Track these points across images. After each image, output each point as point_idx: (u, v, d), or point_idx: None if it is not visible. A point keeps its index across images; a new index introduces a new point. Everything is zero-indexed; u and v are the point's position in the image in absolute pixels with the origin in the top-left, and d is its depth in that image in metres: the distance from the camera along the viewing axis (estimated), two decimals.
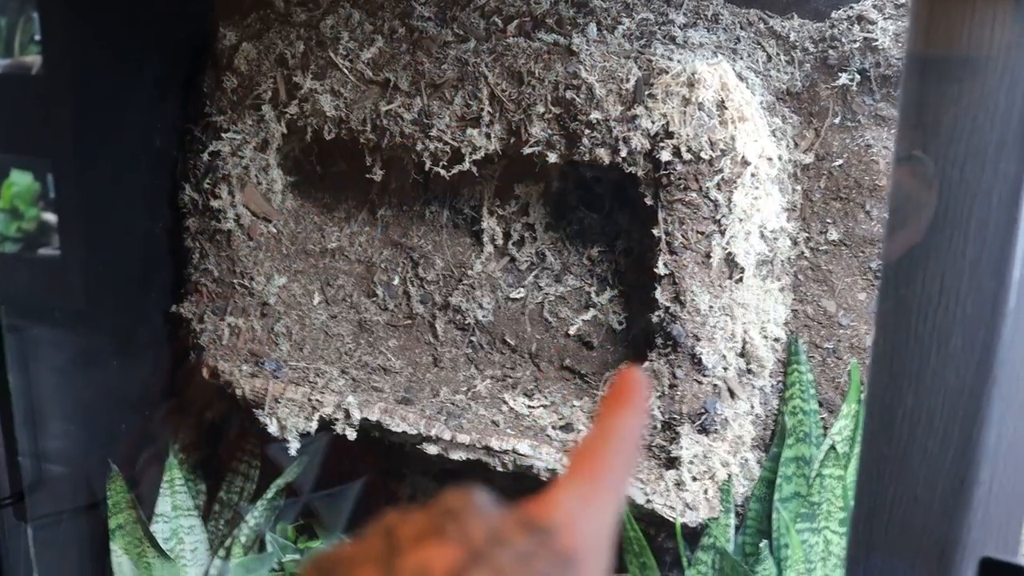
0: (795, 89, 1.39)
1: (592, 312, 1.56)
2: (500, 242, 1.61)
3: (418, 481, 1.73)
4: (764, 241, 1.34)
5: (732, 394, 1.38)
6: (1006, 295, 0.69)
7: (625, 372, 0.60)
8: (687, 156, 1.30)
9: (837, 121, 1.36)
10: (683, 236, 1.34)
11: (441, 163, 1.46)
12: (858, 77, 1.34)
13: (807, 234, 1.41)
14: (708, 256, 1.34)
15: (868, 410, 0.78)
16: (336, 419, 1.48)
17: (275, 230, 1.60)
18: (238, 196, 1.54)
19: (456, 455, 1.46)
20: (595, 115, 1.33)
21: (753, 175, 1.31)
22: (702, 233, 1.34)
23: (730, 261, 1.33)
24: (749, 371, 1.39)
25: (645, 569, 1.41)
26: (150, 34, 1.60)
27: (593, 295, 1.56)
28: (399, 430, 1.46)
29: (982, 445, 0.71)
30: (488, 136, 1.42)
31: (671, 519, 1.40)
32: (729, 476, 1.41)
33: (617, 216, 1.53)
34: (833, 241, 1.39)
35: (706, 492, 1.40)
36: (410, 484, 1.74)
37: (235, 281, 1.57)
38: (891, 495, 0.76)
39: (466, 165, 1.46)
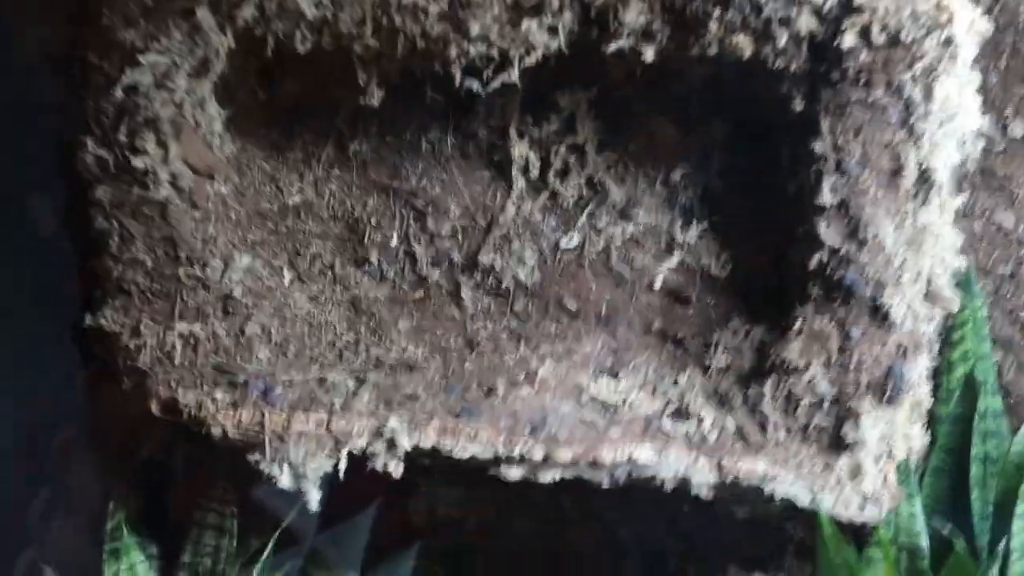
0: None
1: (679, 256, 1.17)
2: (535, 173, 1.18)
3: (438, 492, 1.33)
4: (961, 147, 0.99)
5: (918, 349, 1.05)
6: None
7: None
8: (879, 39, 0.92)
9: None
10: (861, 150, 0.98)
11: (484, 74, 1.02)
12: None
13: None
14: (896, 174, 0.98)
15: None
16: (375, 453, 1.04)
17: (224, 190, 1.10)
18: (173, 148, 1.04)
19: (548, 476, 1.06)
20: None
21: (955, 58, 0.95)
22: (887, 144, 0.98)
23: (924, 178, 0.98)
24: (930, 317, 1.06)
25: None
26: None
27: (676, 232, 1.17)
28: (466, 455, 1.04)
29: None
30: (553, 30, 0.99)
31: (848, 520, 1.07)
32: (909, 452, 1.09)
33: (709, 125, 1.14)
34: (1015, 138, 1.07)
35: (886, 478, 1.08)
36: (427, 498, 1.33)
37: (180, 271, 1.07)
38: None
39: (513, 75, 1.02)
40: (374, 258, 1.20)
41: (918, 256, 1.01)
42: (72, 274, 1.14)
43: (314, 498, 1.05)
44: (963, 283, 1.10)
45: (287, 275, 1.18)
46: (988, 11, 1.05)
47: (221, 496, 1.19)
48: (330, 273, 1.20)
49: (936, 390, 1.13)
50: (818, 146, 0.98)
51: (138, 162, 1.03)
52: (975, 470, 1.10)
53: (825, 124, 0.98)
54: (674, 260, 1.17)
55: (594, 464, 1.05)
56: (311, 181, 1.20)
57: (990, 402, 1.12)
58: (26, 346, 1.28)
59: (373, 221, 1.20)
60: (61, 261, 1.16)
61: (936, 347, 1.11)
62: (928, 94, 0.95)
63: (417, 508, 1.34)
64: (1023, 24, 1.03)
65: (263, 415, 1.04)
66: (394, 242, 1.20)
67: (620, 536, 1.36)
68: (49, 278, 1.22)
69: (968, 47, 0.95)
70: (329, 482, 1.09)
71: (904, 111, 0.95)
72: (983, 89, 1.05)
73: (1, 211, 1.11)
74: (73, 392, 1.29)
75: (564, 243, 1.18)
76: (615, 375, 1.15)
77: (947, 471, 1.13)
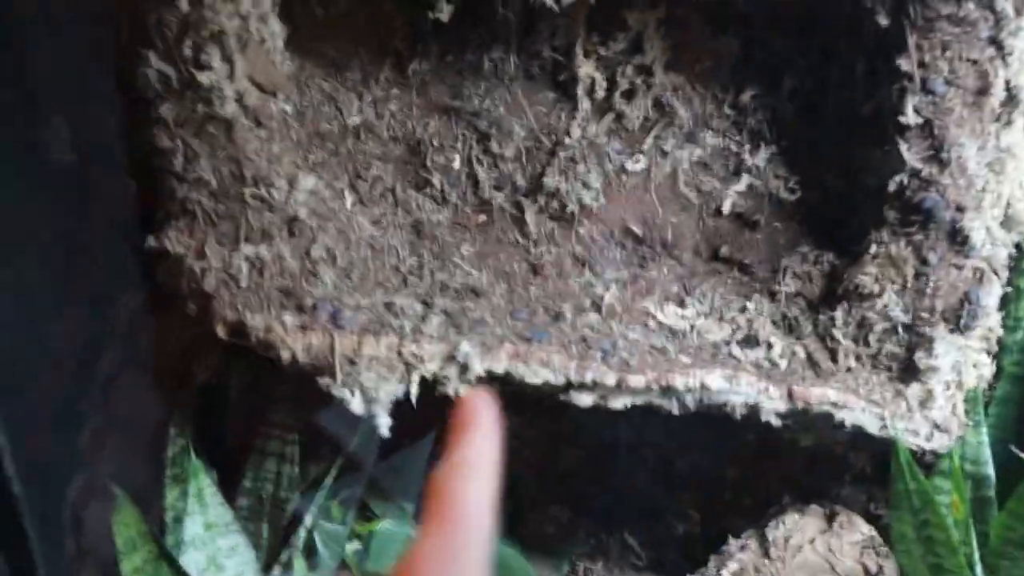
0: None
1: (747, 179, 1.15)
2: (601, 94, 1.16)
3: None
4: None
5: (994, 276, 1.03)
6: None
7: (465, 398, 0.60)
8: None
9: None
10: (948, 67, 0.95)
11: None
12: None
13: None
14: (983, 93, 0.96)
15: None
16: (446, 377, 1.03)
17: (288, 108, 1.08)
18: (239, 63, 1.01)
19: (619, 403, 1.05)
20: None
21: None
22: (974, 61, 0.95)
23: (1010, 98, 0.96)
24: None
25: (930, 528, 1.06)
26: None
27: (746, 156, 1.15)
28: (538, 381, 1.03)
29: None
30: None
31: (918, 447, 1.06)
32: (979, 380, 1.08)
33: (778, 44, 1.11)
34: None
35: (955, 407, 1.07)
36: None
37: (246, 191, 1.05)
38: None
39: None
40: (436, 181, 1.18)
41: (999, 179, 0.99)
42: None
43: (384, 423, 1.04)
44: None
45: (348, 198, 1.16)
46: None
47: (282, 422, 1.18)
48: (391, 196, 1.18)
49: (1004, 318, 1.12)
50: (904, 63, 0.96)
51: (203, 78, 1.00)
52: None
53: (912, 40, 0.95)
54: (742, 184, 1.15)
55: (666, 390, 1.04)
56: (370, 102, 1.18)
57: None
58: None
59: (435, 143, 1.17)
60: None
61: (1005, 273, 1.10)
62: (1021, 9, 0.92)
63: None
64: None
65: (333, 339, 1.03)
66: (456, 165, 1.18)
67: (675, 466, 1.36)
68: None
69: None
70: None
71: (995, 27, 0.93)
72: None
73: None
74: (116, 313, 1.28)
75: (630, 166, 1.16)
76: (682, 302, 1.13)
77: (1015, 400, 1.13)
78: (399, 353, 1.03)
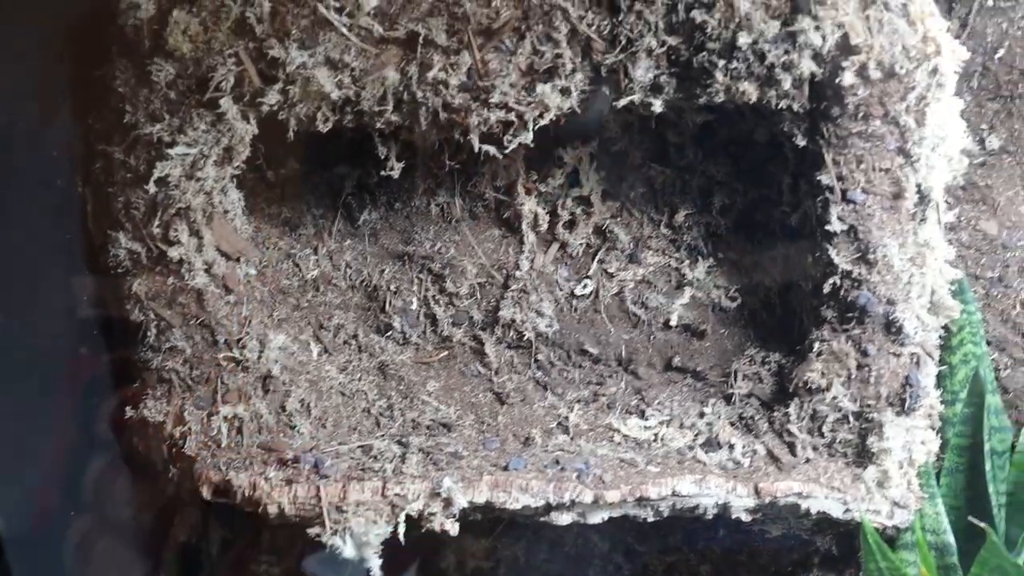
0: None
1: (689, 292, 1.23)
2: (544, 227, 1.23)
3: (465, 546, 1.35)
4: (950, 166, 1.07)
5: (928, 358, 1.12)
6: None
7: None
8: (875, 75, 1.00)
9: (989, 3, 1.11)
10: (864, 178, 1.04)
11: (504, 138, 1.06)
12: None
13: None
14: (898, 197, 1.05)
15: None
16: (432, 513, 1.06)
17: (252, 272, 1.13)
18: (206, 235, 1.06)
19: (596, 517, 1.10)
20: (742, 39, 0.98)
21: (942, 86, 1.03)
22: (886, 170, 1.05)
23: (922, 199, 1.05)
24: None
25: None
26: None
27: (686, 270, 1.23)
28: (519, 506, 1.07)
29: None
30: (566, 91, 1.04)
31: (881, 525, 1.13)
32: (928, 455, 1.15)
33: (706, 166, 1.20)
34: (992, 150, 1.15)
35: (909, 483, 1.14)
36: (455, 553, 1.35)
37: (220, 355, 1.09)
38: None
39: (528, 137, 1.07)
40: (396, 323, 1.23)
41: (923, 271, 1.08)
42: None
43: (375, 565, 1.07)
44: (958, 290, 1.17)
45: (315, 348, 1.20)
46: (957, 36, 1.14)
47: (267, 573, 1.20)
48: (355, 342, 1.23)
49: (942, 394, 1.20)
50: (824, 178, 1.05)
51: (173, 253, 1.05)
52: (989, 465, 1.17)
53: (829, 157, 1.04)
54: (685, 297, 1.23)
55: (640, 501, 1.09)
56: (326, 254, 1.24)
57: (991, 399, 1.20)
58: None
59: (391, 287, 1.23)
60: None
61: (937, 353, 1.18)
62: (921, 120, 1.02)
63: (448, 564, 1.37)
64: (990, 46, 1.12)
65: (319, 488, 1.06)
66: (414, 306, 1.24)
67: (649, 569, 1.40)
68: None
69: (952, 74, 1.03)
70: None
71: (900, 138, 1.03)
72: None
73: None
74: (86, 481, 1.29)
75: (579, 291, 1.23)
76: (643, 413, 1.19)
77: (962, 470, 1.20)
78: (384, 495, 1.06)
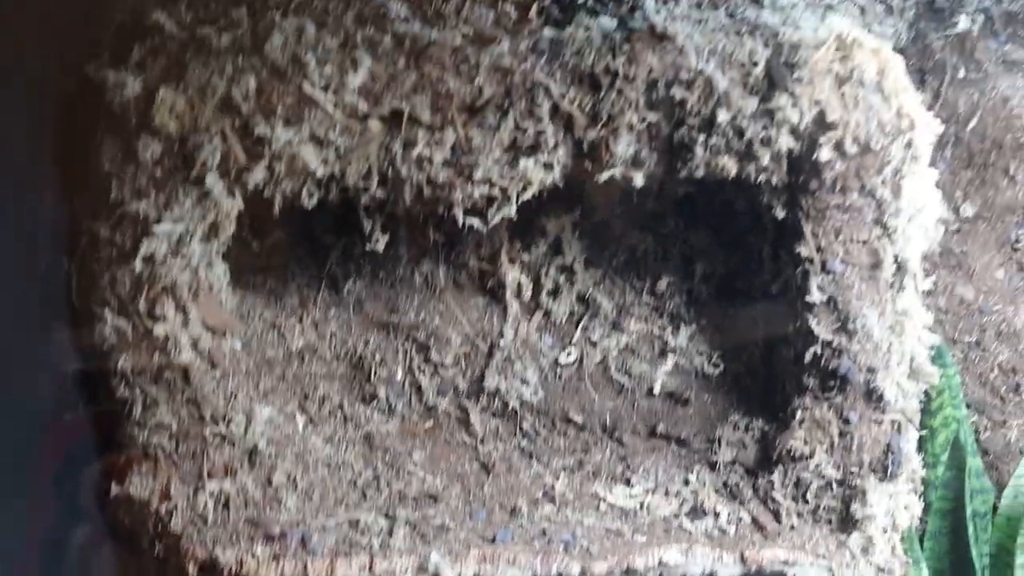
0: (900, 44, 1.14)
1: (672, 359, 1.24)
2: (528, 295, 1.24)
3: None
4: (926, 235, 1.09)
5: (909, 424, 1.13)
6: None
7: None
8: (852, 149, 1.02)
9: (961, 75, 1.13)
10: (843, 249, 1.06)
11: (488, 212, 1.08)
12: (981, 19, 1.11)
13: None
14: (876, 267, 1.07)
15: None
16: None
17: (238, 345, 1.13)
18: (192, 311, 1.06)
19: None
20: (721, 115, 1.00)
21: (917, 158, 1.05)
22: (864, 242, 1.07)
23: (900, 268, 1.07)
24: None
25: None
26: None
27: (669, 337, 1.24)
28: None
29: None
30: (548, 166, 1.06)
31: None
32: (911, 520, 1.16)
33: (688, 235, 1.22)
34: (967, 218, 1.17)
35: (894, 548, 1.15)
36: None
37: (206, 430, 1.09)
38: None
39: (511, 210, 1.08)
40: (381, 393, 1.23)
41: (901, 339, 1.10)
42: None
43: None
44: (936, 355, 1.19)
45: (300, 420, 1.20)
46: (930, 107, 1.16)
47: None
48: (340, 413, 1.23)
49: (924, 457, 1.21)
50: (803, 249, 1.07)
51: (159, 329, 1.05)
52: (971, 528, 1.19)
53: (807, 229, 1.06)
54: (669, 364, 1.24)
55: (627, 572, 1.09)
56: (311, 324, 1.24)
57: (972, 462, 1.21)
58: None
59: (376, 357, 1.23)
60: None
61: (918, 419, 1.20)
62: (897, 193, 1.04)
63: None
64: (963, 116, 1.14)
65: (306, 565, 1.06)
66: (399, 376, 1.24)
67: None
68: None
69: (926, 146, 1.05)
70: None
71: (877, 210, 1.05)
72: None
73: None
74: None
75: (563, 359, 1.24)
76: (628, 481, 1.20)
77: (945, 533, 1.21)
78: (372, 571, 1.06)
